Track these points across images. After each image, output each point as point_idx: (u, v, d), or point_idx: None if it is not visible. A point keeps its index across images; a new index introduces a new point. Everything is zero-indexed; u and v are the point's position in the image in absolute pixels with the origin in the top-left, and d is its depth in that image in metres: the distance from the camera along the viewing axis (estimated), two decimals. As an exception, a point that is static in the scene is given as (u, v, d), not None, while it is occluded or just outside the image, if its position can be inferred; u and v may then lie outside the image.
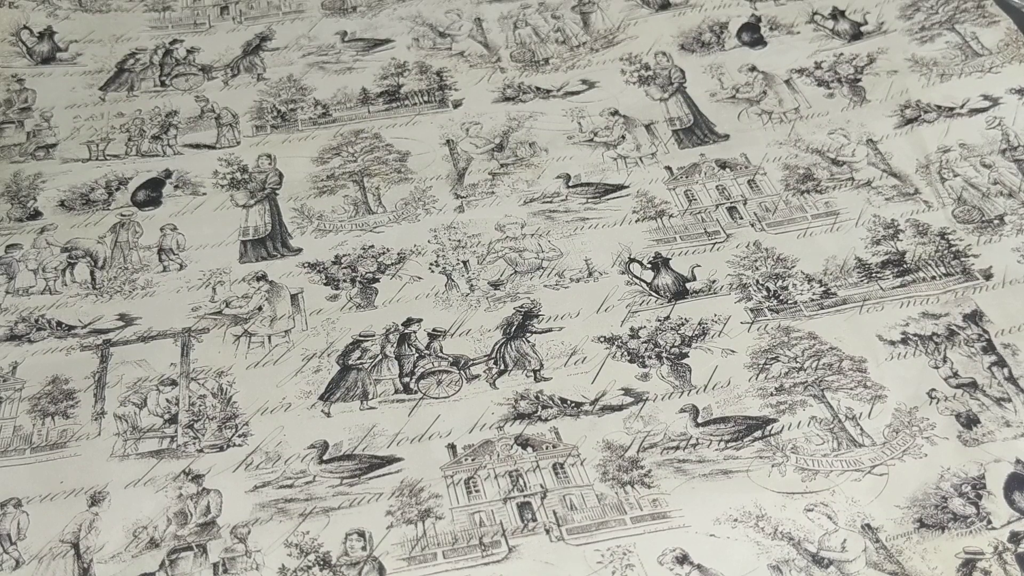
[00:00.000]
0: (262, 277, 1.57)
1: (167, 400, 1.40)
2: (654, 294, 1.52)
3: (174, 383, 1.42)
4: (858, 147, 1.73)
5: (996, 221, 1.58)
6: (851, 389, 1.37)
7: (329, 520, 1.25)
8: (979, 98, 1.78)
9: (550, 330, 1.47)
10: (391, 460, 1.32)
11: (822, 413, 1.34)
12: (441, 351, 1.45)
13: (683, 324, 1.47)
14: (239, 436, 1.35)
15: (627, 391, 1.38)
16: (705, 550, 1.20)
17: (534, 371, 1.42)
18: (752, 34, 1.99)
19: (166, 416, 1.38)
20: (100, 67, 1.98)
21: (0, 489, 1.29)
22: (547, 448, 1.32)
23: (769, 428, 1.33)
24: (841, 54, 1.92)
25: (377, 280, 1.55)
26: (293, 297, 1.54)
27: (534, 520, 1.24)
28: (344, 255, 1.59)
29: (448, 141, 1.80)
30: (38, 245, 1.63)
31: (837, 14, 2.01)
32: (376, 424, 1.36)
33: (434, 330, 1.48)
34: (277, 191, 1.72)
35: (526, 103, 1.87)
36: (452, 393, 1.40)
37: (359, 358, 1.44)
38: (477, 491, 1.28)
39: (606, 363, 1.42)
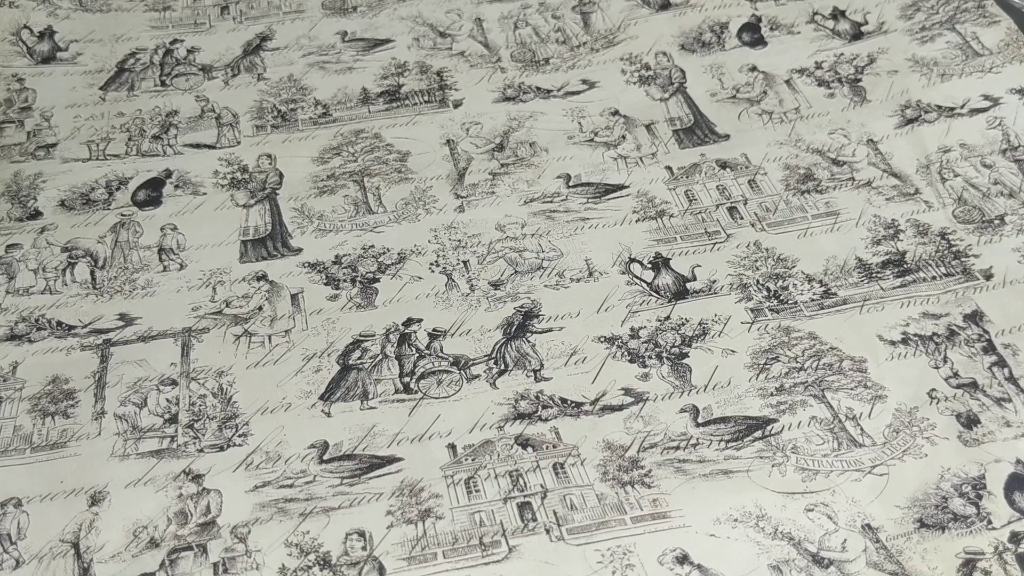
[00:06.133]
0: (262, 277, 1.57)
1: (167, 400, 1.40)
2: (654, 294, 1.52)
3: (174, 383, 1.42)
4: (858, 147, 1.73)
5: (996, 221, 1.58)
6: (851, 389, 1.37)
7: (329, 520, 1.25)
8: (979, 98, 1.78)
9: (550, 330, 1.47)
10: (391, 460, 1.32)
11: (822, 413, 1.34)
12: (441, 351, 1.45)
13: (683, 324, 1.47)
14: (239, 436, 1.35)
15: (627, 391, 1.38)
16: (705, 550, 1.20)
17: (534, 371, 1.42)
18: (752, 34, 1.99)
19: (166, 416, 1.38)
20: (100, 67, 1.98)
21: (0, 489, 1.29)
22: (547, 448, 1.32)
23: (769, 428, 1.33)
24: (841, 54, 1.92)
25: (377, 280, 1.55)
26: (293, 297, 1.54)
27: (534, 520, 1.24)
28: (344, 255, 1.60)
29: (448, 141, 1.80)
30: (38, 245, 1.63)
31: (837, 14, 2.01)
32: (376, 424, 1.36)
33: (434, 330, 1.48)
34: (277, 191, 1.72)
35: (526, 103, 1.87)
36: (452, 393, 1.40)
37: (359, 358, 1.44)
38: (477, 491, 1.28)
39: (606, 363, 1.42)
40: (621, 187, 1.69)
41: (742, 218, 1.62)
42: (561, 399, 1.38)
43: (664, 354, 1.43)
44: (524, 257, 1.58)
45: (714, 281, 1.53)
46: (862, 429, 1.32)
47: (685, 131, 1.80)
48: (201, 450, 1.34)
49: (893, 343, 1.42)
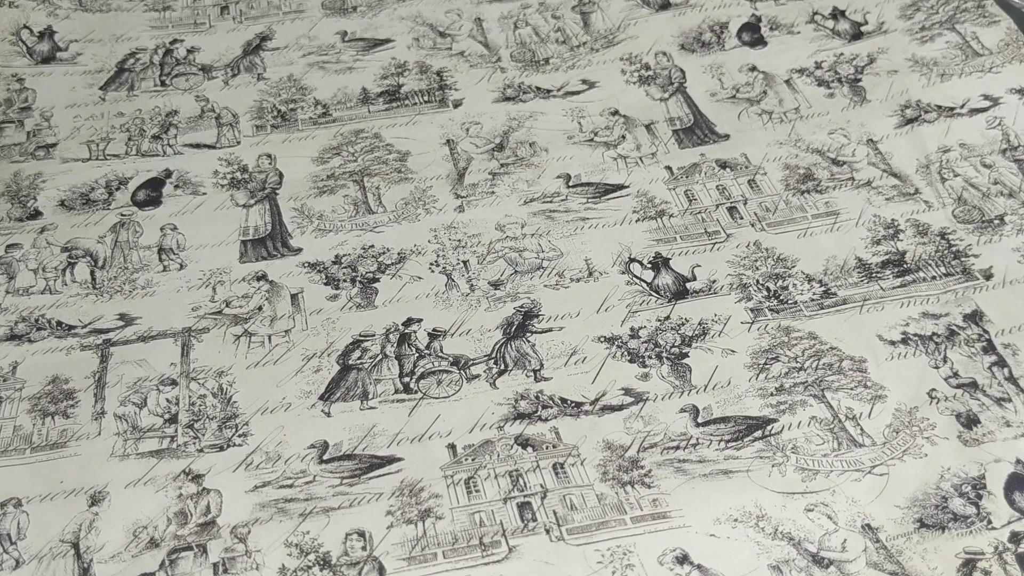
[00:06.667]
0: (262, 277, 1.57)
1: (167, 400, 1.40)
2: (654, 294, 1.52)
3: (174, 383, 1.42)
4: (858, 147, 1.73)
5: (996, 221, 1.58)
6: (851, 389, 1.37)
7: (329, 520, 1.25)
8: (979, 98, 1.78)
9: (550, 330, 1.47)
10: (391, 460, 1.32)
11: (822, 413, 1.34)
12: (441, 351, 1.45)
13: (683, 324, 1.47)
14: (239, 436, 1.35)
15: (627, 391, 1.38)
16: (705, 550, 1.20)
17: (534, 371, 1.42)
18: (752, 34, 1.99)
19: (166, 416, 1.38)
20: (100, 67, 1.98)
21: (0, 489, 1.29)
22: (547, 448, 1.32)
23: (769, 428, 1.33)
24: (841, 54, 1.92)
25: (377, 280, 1.55)
26: (293, 297, 1.54)
27: (534, 520, 1.24)
28: (344, 255, 1.60)
29: (448, 141, 1.80)
30: (38, 245, 1.63)
31: (837, 14, 2.01)
32: (376, 424, 1.36)
33: (434, 330, 1.48)
34: (277, 191, 1.72)
35: (526, 103, 1.87)
36: (452, 393, 1.40)
37: (359, 358, 1.44)
38: (477, 491, 1.28)
39: (606, 363, 1.42)
40: (621, 187, 1.69)
41: (742, 218, 1.62)
42: (561, 399, 1.38)
43: (664, 354, 1.43)
44: (524, 257, 1.58)
45: (714, 281, 1.53)
46: (862, 429, 1.32)
47: (685, 131, 1.80)
48: (201, 450, 1.34)
49: (893, 343, 1.42)
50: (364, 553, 1.22)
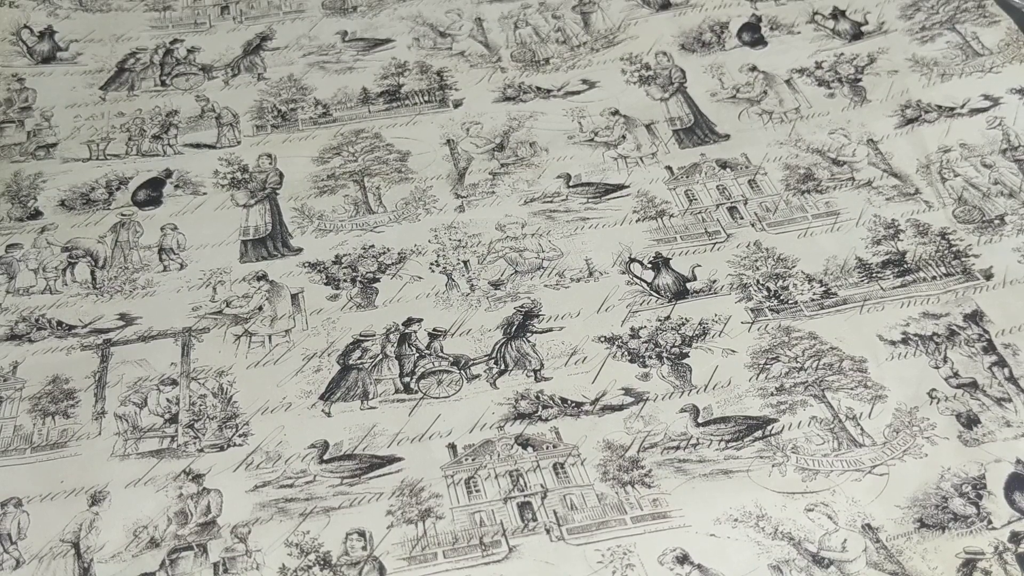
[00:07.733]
0: (262, 277, 1.57)
1: (167, 400, 1.40)
2: (654, 294, 1.52)
3: (174, 383, 1.42)
4: (859, 147, 1.73)
5: (996, 221, 1.58)
6: (851, 389, 1.37)
7: (329, 520, 1.25)
8: (980, 98, 1.78)
9: (550, 330, 1.47)
10: (391, 460, 1.32)
11: (822, 413, 1.34)
12: (441, 351, 1.45)
13: (683, 324, 1.47)
14: (239, 436, 1.35)
15: (627, 391, 1.38)
16: (705, 550, 1.20)
17: (534, 371, 1.42)
18: (753, 34, 1.99)
19: (166, 416, 1.38)
20: (100, 66, 1.98)
21: (0, 489, 1.29)
22: (547, 448, 1.32)
23: (769, 428, 1.33)
24: (842, 54, 1.92)
25: (377, 280, 1.55)
26: (293, 297, 1.54)
27: (534, 520, 1.24)
28: (344, 255, 1.60)
29: (448, 141, 1.80)
30: (38, 245, 1.63)
31: (838, 14, 2.01)
32: (376, 424, 1.36)
33: (434, 330, 1.48)
34: (277, 191, 1.72)
35: (526, 103, 1.87)
36: (452, 393, 1.40)
37: (359, 358, 1.44)
38: (477, 491, 1.28)
39: (606, 363, 1.42)
40: (621, 187, 1.69)
41: (742, 218, 1.62)
42: (561, 399, 1.38)
43: (664, 354, 1.43)
44: (524, 257, 1.58)
45: (714, 281, 1.53)
46: (862, 429, 1.32)
47: (685, 131, 1.80)
48: (201, 450, 1.34)
49: (893, 343, 1.42)
50: (364, 553, 1.22)
